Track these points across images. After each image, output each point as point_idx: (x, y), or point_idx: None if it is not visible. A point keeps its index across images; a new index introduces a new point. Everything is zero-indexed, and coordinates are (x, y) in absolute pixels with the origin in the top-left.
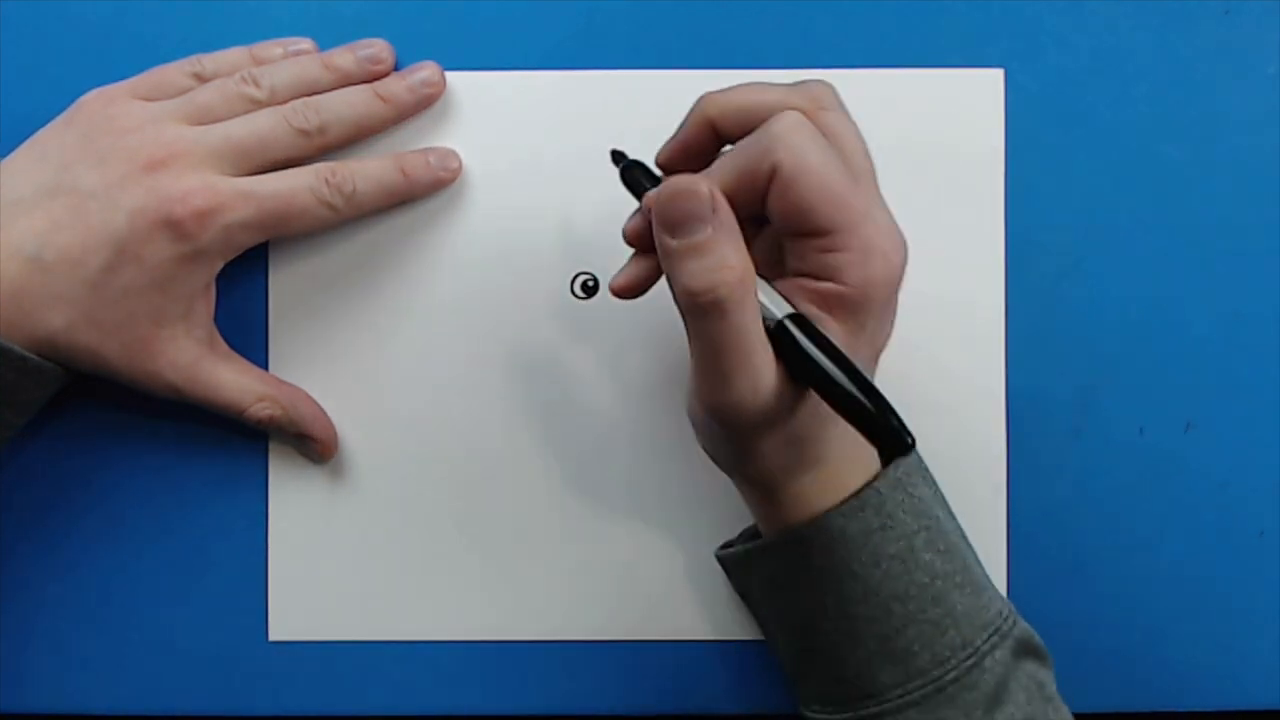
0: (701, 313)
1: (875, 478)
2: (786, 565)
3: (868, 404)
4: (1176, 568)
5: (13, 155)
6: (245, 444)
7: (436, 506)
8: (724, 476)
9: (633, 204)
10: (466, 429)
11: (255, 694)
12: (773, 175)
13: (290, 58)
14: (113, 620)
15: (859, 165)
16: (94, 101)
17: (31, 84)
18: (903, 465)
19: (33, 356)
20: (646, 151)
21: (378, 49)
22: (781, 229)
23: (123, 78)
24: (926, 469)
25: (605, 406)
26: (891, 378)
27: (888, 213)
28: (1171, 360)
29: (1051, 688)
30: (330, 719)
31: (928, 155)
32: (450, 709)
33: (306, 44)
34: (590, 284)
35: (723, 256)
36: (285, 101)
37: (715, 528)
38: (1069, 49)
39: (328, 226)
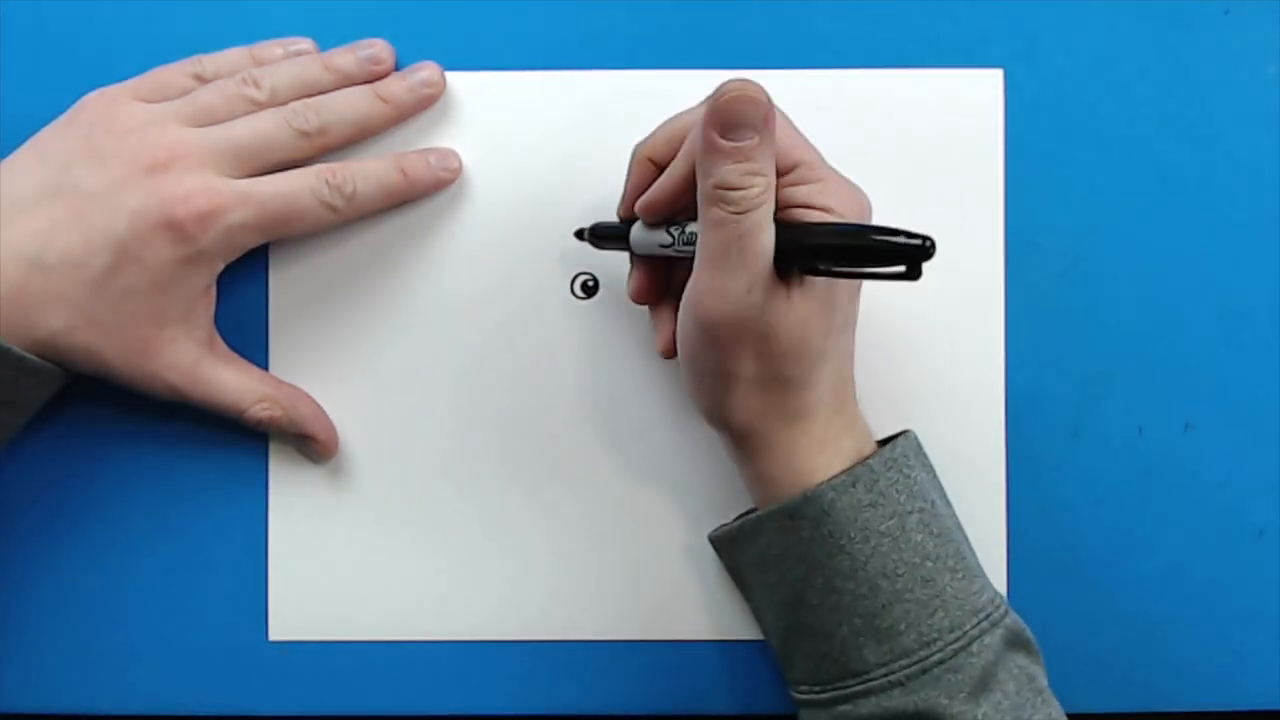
0: (728, 204)
1: (870, 455)
2: (777, 540)
3: (878, 233)
4: (1175, 567)
5: (13, 156)
6: (245, 444)
7: (437, 507)
8: (724, 476)
9: None
10: (466, 429)
11: (255, 694)
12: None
13: (290, 58)
14: (113, 620)
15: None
16: (95, 102)
17: (32, 85)
18: (900, 446)
19: (33, 357)
20: None
21: (378, 49)
22: None
23: (124, 78)
24: (926, 456)
25: (605, 406)
26: (891, 377)
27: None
28: (1170, 360)
29: (1043, 682)
30: (330, 719)
31: (927, 155)
32: (450, 709)
33: (306, 44)
34: (590, 284)
35: (764, 164)
36: (286, 102)
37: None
38: (1069, 49)
39: (328, 227)
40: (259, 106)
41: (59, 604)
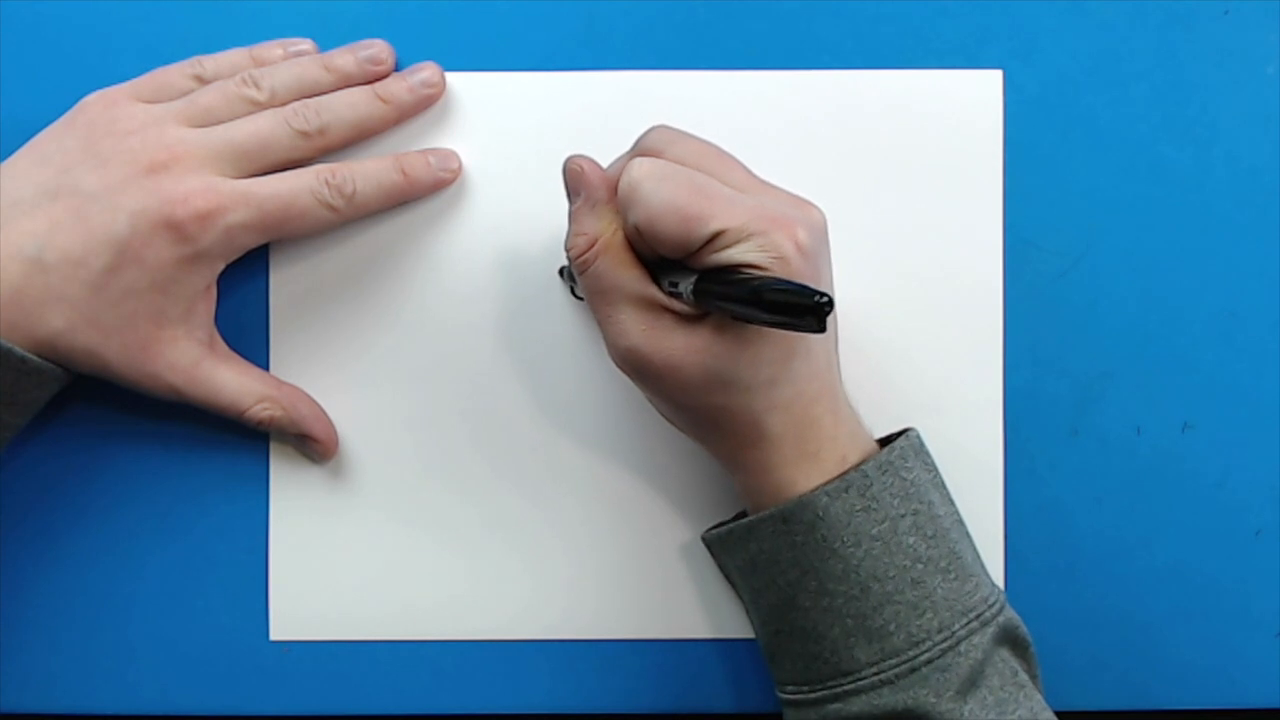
0: (573, 265)
1: (865, 459)
2: (769, 544)
3: (783, 292)
4: (1173, 567)
5: (14, 157)
6: (246, 444)
7: (436, 507)
8: (724, 476)
9: None
10: (466, 429)
11: (256, 694)
12: (637, 230)
13: (290, 59)
14: (113, 620)
15: (711, 169)
16: (95, 103)
17: (32, 86)
18: (898, 449)
19: (33, 358)
20: None
21: (378, 50)
22: (677, 255)
23: (124, 79)
24: (927, 454)
25: (605, 406)
26: (891, 377)
27: (776, 191)
28: (1169, 361)
29: (1024, 675)
30: (331, 718)
31: (927, 155)
32: (450, 709)
33: (307, 45)
34: None
35: (579, 223)
36: (286, 103)
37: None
38: (1068, 49)
39: (329, 227)
40: (259, 107)
41: (59, 604)
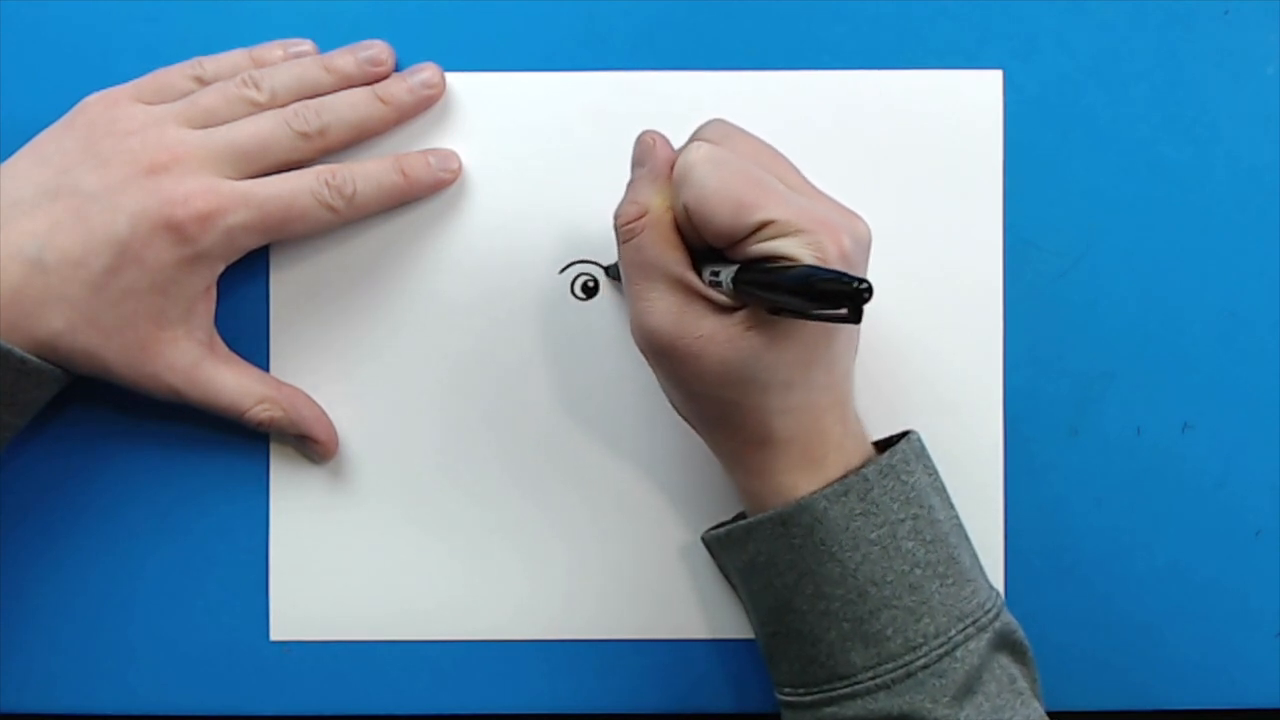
0: (617, 233)
1: (866, 463)
2: (766, 546)
3: (821, 278)
4: (1173, 567)
5: (14, 158)
6: (246, 444)
7: (436, 506)
8: (723, 476)
9: None
10: (466, 429)
11: (256, 694)
12: (686, 211)
13: (291, 60)
14: (113, 620)
15: (766, 165)
16: (95, 104)
17: (33, 87)
18: (899, 452)
19: (33, 358)
20: None
21: (378, 50)
22: (722, 243)
23: (124, 80)
24: (928, 458)
25: (604, 407)
26: (890, 377)
27: (826, 198)
28: (1169, 361)
29: (1023, 683)
30: (331, 719)
31: (927, 156)
32: (450, 709)
33: (307, 46)
34: (590, 284)
35: (635, 191)
36: (286, 104)
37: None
38: (1068, 50)
39: (329, 228)
40: (259, 108)
41: (59, 604)
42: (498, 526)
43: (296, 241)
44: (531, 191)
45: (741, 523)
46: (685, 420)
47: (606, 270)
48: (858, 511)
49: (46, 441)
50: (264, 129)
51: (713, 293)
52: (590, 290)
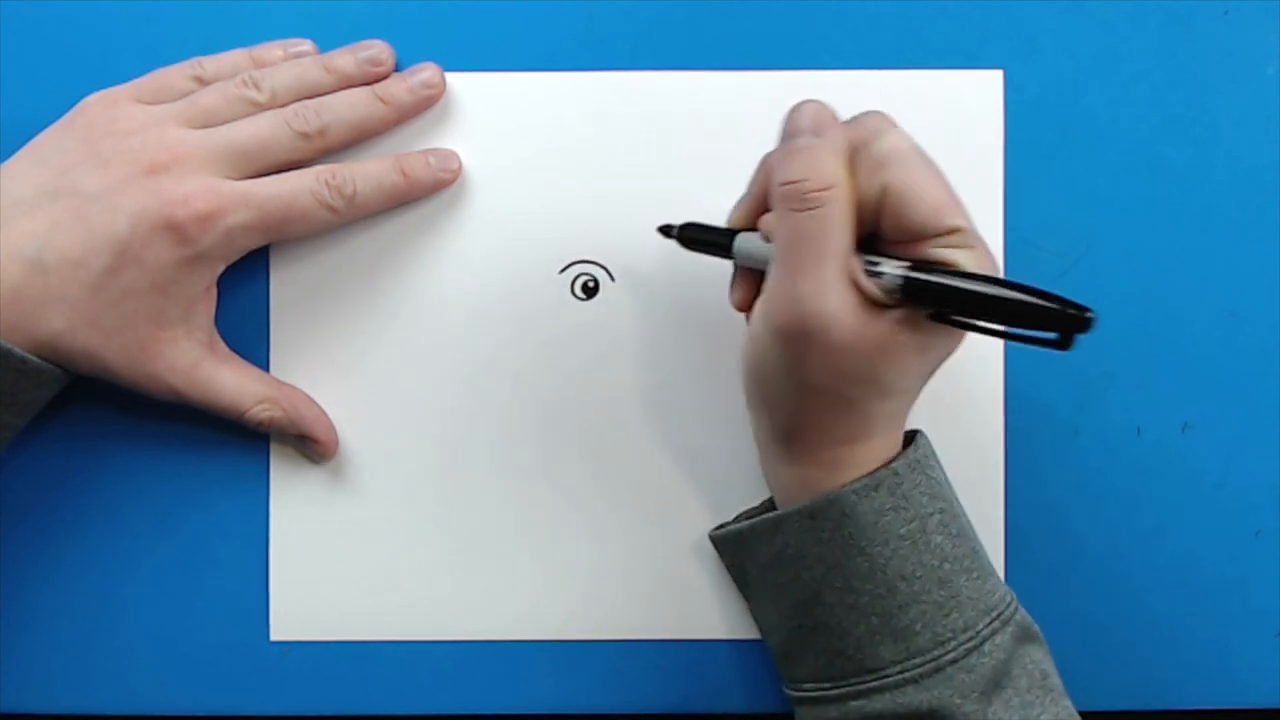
0: (784, 201)
1: (894, 457)
2: (794, 540)
3: (1032, 296)
4: (1173, 567)
5: (14, 158)
6: (246, 444)
7: (437, 506)
8: (724, 476)
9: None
10: (466, 429)
11: (256, 694)
12: (883, 192)
13: (291, 60)
14: (113, 620)
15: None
16: (95, 105)
17: (33, 87)
18: (921, 447)
19: (33, 358)
20: (650, 152)
21: (378, 50)
22: (901, 235)
23: (124, 80)
24: (936, 455)
25: (605, 406)
26: None
27: None
28: (1169, 361)
29: (1055, 679)
30: (330, 719)
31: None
32: (450, 709)
33: (307, 45)
34: (590, 284)
35: (821, 159)
36: (286, 104)
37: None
38: (1068, 50)
39: (329, 228)
40: (259, 108)
41: (59, 604)
42: (497, 526)
43: (296, 241)
44: (531, 191)
45: (768, 516)
46: (758, 405)
47: (681, 233)
48: (888, 506)
49: (46, 441)
50: (264, 129)
51: (869, 284)
52: (590, 290)
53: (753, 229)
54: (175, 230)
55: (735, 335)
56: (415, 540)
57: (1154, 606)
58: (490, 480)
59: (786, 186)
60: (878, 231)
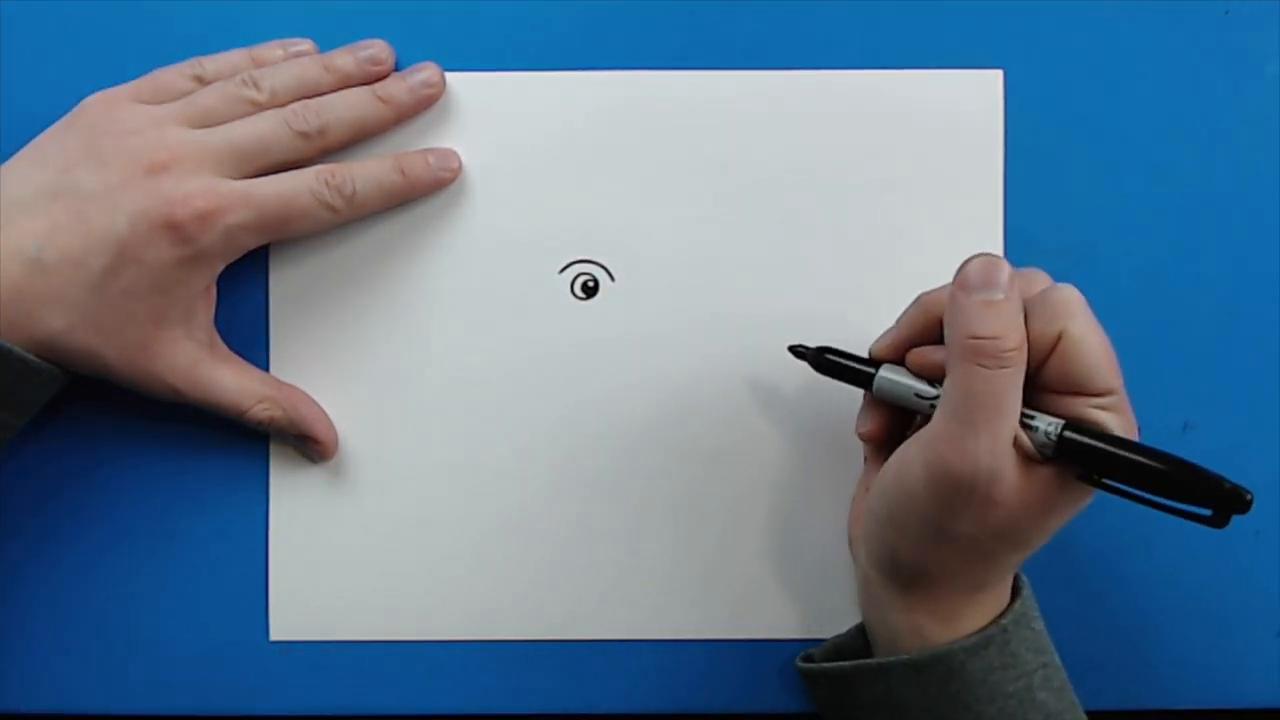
0: (973, 355)
1: (1002, 614)
2: (899, 690)
3: (1193, 472)
4: (1172, 567)
5: (14, 158)
6: (246, 444)
7: (437, 506)
8: (723, 476)
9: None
10: (466, 429)
11: (256, 694)
12: (1059, 339)
13: (290, 59)
14: (113, 620)
15: None
16: (95, 105)
17: (33, 87)
18: (1026, 599)
19: (33, 358)
20: (650, 152)
21: (377, 50)
22: (1062, 386)
23: (124, 79)
24: (1036, 603)
25: (605, 407)
26: None
27: None
28: (1170, 360)
29: None
30: (330, 719)
31: (927, 156)
32: (450, 709)
33: (306, 45)
34: (590, 284)
35: (1011, 317)
36: (285, 103)
37: (714, 528)
38: (1068, 49)
39: (328, 228)
40: (259, 108)
41: (59, 604)
42: (497, 526)
43: (296, 241)
44: (531, 191)
45: (870, 663)
46: (882, 548)
47: (817, 358)
48: (996, 665)
49: (46, 441)
50: (264, 129)
51: (1024, 437)
52: (590, 290)
53: (895, 361)
54: (175, 230)
55: (734, 334)
56: (415, 540)
57: (1153, 606)
58: (490, 480)
59: (978, 341)
60: (1033, 380)
